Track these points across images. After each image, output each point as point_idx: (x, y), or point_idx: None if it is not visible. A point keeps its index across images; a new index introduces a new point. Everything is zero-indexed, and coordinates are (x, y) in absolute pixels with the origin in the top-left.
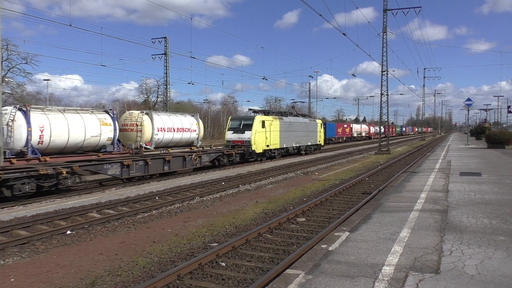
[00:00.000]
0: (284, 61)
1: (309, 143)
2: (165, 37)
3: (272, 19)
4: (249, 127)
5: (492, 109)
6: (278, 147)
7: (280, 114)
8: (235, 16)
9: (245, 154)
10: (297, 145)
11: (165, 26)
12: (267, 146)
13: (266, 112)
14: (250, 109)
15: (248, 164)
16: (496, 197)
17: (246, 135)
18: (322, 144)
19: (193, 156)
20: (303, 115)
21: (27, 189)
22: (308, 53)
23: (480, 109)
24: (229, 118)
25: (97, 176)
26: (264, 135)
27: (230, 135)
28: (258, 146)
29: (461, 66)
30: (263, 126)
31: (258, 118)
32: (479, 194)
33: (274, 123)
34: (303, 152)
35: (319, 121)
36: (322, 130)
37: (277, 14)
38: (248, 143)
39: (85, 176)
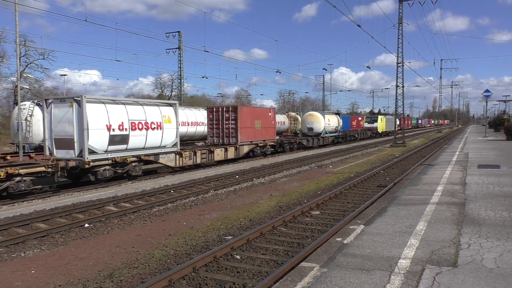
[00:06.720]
0: (300, 54)
1: (391, 129)
2: (179, 31)
3: (291, 12)
4: (376, 121)
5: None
6: (385, 130)
7: (383, 114)
8: (254, 10)
9: (376, 133)
10: (388, 130)
11: (184, 21)
12: (382, 130)
13: (380, 113)
14: (373, 112)
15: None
16: None
17: (375, 125)
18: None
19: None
20: (387, 114)
21: None
22: (323, 45)
23: (499, 101)
24: (365, 116)
25: None
26: (381, 125)
27: (366, 125)
28: (380, 129)
29: (478, 57)
30: (381, 120)
31: (379, 117)
32: (498, 187)
33: (384, 119)
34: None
35: (393, 117)
36: (395, 122)
37: (296, 7)
38: (376, 129)
39: None
